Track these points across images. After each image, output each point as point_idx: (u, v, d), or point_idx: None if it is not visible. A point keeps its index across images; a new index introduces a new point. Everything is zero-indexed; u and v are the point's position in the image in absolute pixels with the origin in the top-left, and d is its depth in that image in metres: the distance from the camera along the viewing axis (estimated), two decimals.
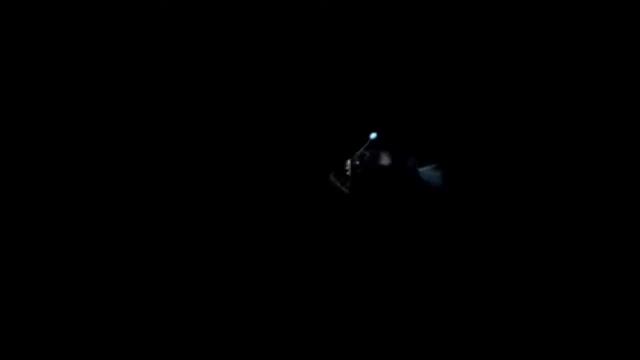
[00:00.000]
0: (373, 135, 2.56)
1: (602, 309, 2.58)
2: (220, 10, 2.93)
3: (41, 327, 2.56)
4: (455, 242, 2.68)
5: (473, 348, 2.54)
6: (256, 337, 2.57)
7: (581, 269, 2.65)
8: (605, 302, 2.59)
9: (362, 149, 2.56)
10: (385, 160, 2.56)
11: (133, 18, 2.91)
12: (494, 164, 2.81)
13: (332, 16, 2.92)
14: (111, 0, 2.90)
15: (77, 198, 2.78)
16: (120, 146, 2.87)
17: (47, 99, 2.87)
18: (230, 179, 2.85)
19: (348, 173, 2.57)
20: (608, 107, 2.86)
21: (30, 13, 2.87)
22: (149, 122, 2.90)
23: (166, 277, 2.68)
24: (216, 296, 2.64)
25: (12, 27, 2.86)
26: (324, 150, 2.79)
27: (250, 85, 2.93)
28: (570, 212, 2.74)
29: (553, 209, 2.75)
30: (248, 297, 2.64)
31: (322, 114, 2.88)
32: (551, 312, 2.58)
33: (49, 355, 2.51)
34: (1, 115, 2.83)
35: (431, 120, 2.85)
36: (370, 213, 2.64)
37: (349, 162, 2.57)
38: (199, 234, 2.76)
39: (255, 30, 2.94)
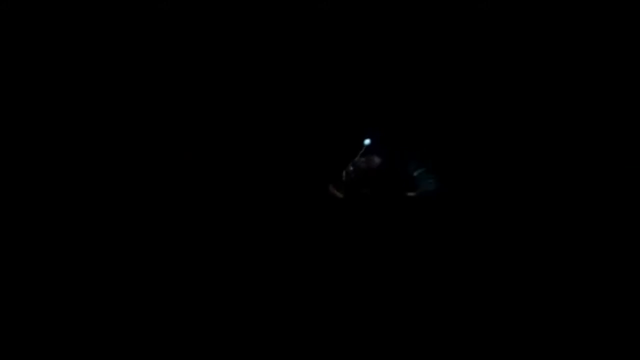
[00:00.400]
0: (367, 142, 2.57)
1: (602, 310, 2.58)
2: (220, 10, 2.93)
3: (41, 327, 2.59)
4: (450, 245, 2.68)
5: (469, 351, 2.55)
6: (255, 338, 2.59)
7: (579, 274, 2.65)
8: (605, 303, 2.59)
9: (358, 156, 2.57)
10: (380, 165, 2.56)
11: (133, 18, 2.92)
12: (489, 168, 2.79)
13: (332, 16, 2.91)
14: (111, 0, 2.90)
15: (76, 198, 2.80)
16: (120, 146, 2.88)
17: (47, 99, 2.89)
18: (231, 180, 2.86)
19: (344, 179, 2.58)
20: (608, 108, 2.84)
21: (30, 13, 2.88)
22: (149, 122, 2.91)
23: (166, 277, 2.70)
24: (216, 297, 2.66)
25: (12, 27, 2.87)
26: (322, 155, 2.79)
27: (250, 85, 2.93)
28: (566, 216, 2.73)
29: (549, 212, 2.74)
30: (247, 299, 2.66)
31: (319, 118, 2.88)
32: (548, 315, 2.59)
33: (49, 356, 2.55)
34: (1, 115, 2.86)
35: (425, 124, 2.84)
36: (365, 217, 2.65)
37: (344, 171, 2.59)
38: (198, 234, 2.77)
39: (255, 30, 2.93)
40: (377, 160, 2.58)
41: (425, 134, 2.81)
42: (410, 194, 2.62)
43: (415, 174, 2.64)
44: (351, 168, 2.57)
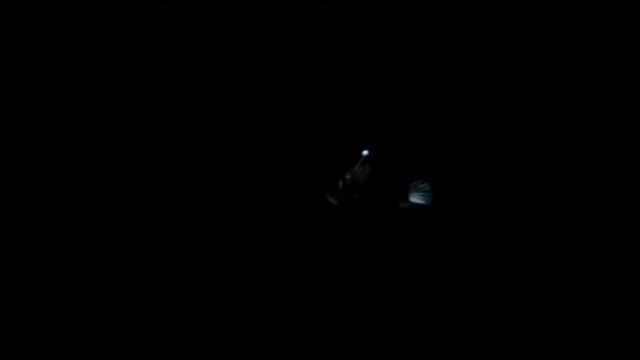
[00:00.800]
0: (365, 152, 2.58)
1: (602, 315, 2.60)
2: (220, 10, 2.91)
3: (41, 327, 2.63)
4: (447, 255, 2.70)
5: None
6: (249, 343, 2.62)
7: (575, 289, 2.66)
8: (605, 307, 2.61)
9: (356, 166, 2.58)
10: (377, 175, 2.57)
11: (133, 18, 2.91)
12: (487, 177, 2.80)
13: (332, 16, 2.90)
14: (111, 0, 2.89)
15: (76, 198, 2.82)
16: (120, 146, 2.89)
17: (47, 99, 2.89)
18: (230, 180, 2.87)
19: (341, 188, 2.59)
20: (608, 111, 2.83)
21: (30, 13, 2.87)
22: (149, 121, 2.91)
23: (166, 277, 2.73)
24: (211, 299, 2.69)
25: (12, 27, 2.86)
26: (320, 164, 2.80)
27: (249, 85, 2.93)
28: (564, 230, 2.73)
29: (546, 223, 2.74)
30: (242, 300, 2.69)
31: (319, 125, 2.88)
32: (542, 327, 2.61)
33: (49, 356, 2.59)
34: (1, 115, 2.87)
35: (422, 136, 2.83)
36: (360, 226, 2.67)
37: (341, 181, 2.60)
38: (196, 236, 2.79)
39: (255, 32, 2.92)
40: (374, 170, 2.59)
41: (422, 145, 2.80)
42: (405, 204, 2.64)
43: (411, 185, 2.65)
44: (348, 177, 2.58)
